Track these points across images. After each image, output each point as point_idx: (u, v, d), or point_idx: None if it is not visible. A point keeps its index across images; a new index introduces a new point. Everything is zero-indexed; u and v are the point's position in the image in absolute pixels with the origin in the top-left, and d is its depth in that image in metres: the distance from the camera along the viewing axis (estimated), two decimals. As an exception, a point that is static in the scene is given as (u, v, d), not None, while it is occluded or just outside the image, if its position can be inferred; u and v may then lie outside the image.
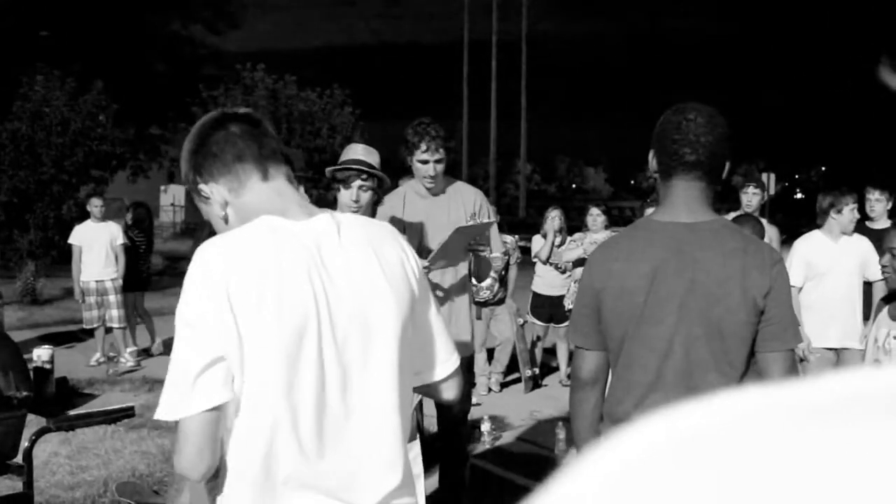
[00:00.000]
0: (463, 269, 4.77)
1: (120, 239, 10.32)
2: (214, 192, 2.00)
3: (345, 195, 4.17)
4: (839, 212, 6.39)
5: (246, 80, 22.60)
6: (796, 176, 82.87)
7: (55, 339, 12.34)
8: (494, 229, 5.13)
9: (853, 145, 75.02)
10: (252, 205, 1.96)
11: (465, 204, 4.82)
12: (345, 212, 4.07)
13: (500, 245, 5.19)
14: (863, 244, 6.42)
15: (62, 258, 15.68)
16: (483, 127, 63.39)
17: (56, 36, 28.20)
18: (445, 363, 2.12)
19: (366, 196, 4.20)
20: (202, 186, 2.02)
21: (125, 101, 19.82)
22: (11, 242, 18.29)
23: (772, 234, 7.25)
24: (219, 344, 1.74)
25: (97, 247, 10.19)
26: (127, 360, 10.22)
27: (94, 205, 10.48)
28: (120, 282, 10.31)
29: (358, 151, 4.33)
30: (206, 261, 1.81)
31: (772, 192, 26.10)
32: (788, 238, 7.84)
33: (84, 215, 10.77)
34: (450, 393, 2.17)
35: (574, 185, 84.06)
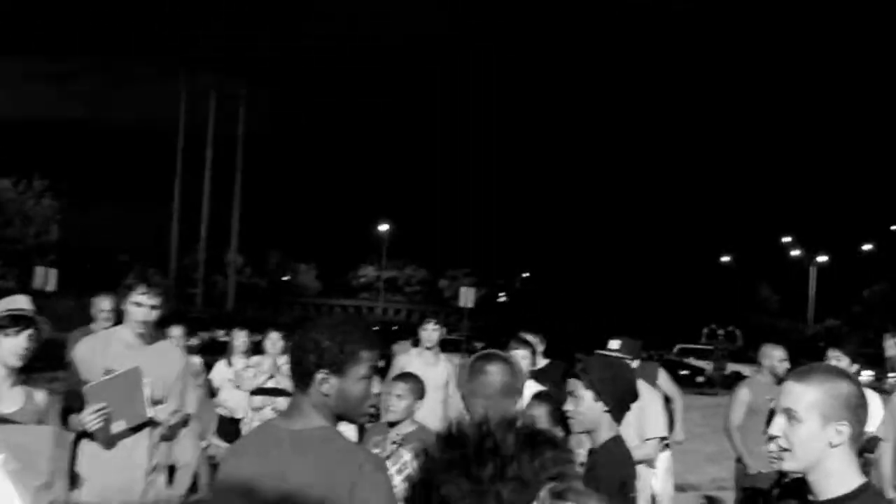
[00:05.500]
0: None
1: None
2: None
3: (11, 344, 4.00)
4: None
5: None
6: (500, 281, 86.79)
7: None
8: (189, 384, 5.02)
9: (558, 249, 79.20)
10: None
11: (169, 370, 4.75)
12: (8, 360, 3.93)
13: (190, 401, 5.07)
14: None
15: None
16: (195, 217, 62.19)
17: None
18: None
19: (29, 346, 4.06)
20: None
21: None
22: None
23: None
24: None
25: None
26: None
27: None
28: None
29: (20, 301, 4.18)
30: None
31: (471, 304, 27.18)
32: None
33: None
34: None
35: (287, 279, 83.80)
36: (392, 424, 5.10)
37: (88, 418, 4.37)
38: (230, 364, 9.01)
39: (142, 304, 4.60)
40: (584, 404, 3.76)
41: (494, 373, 3.16)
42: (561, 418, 4.06)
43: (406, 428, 5.07)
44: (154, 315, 4.66)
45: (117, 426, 4.45)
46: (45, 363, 4.45)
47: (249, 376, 8.47)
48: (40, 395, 4.12)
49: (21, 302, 4.18)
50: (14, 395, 3.96)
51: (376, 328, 31.23)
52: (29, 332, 4.03)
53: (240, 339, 9.02)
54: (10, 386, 3.97)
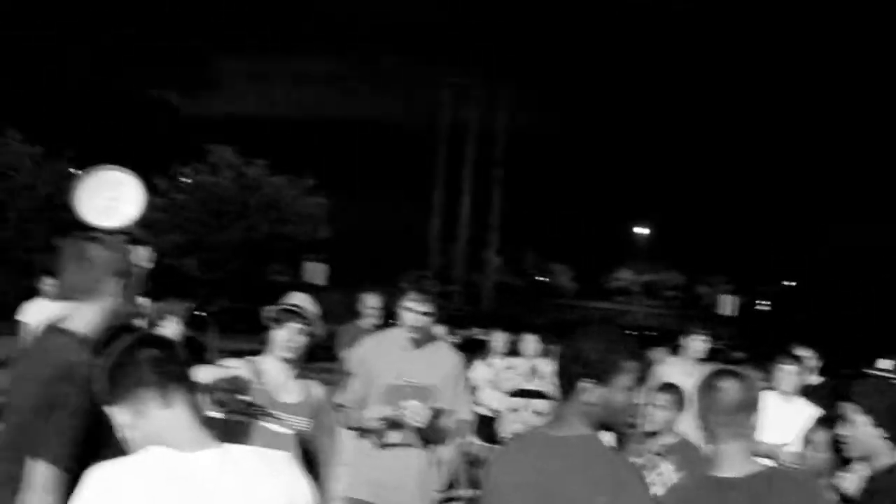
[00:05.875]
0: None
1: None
2: (117, 415, 2.08)
3: (281, 335, 4.23)
4: None
5: (212, 158, 22.73)
6: (763, 288, 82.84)
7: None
8: (461, 387, 5.07)
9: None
10: (150, 431, 2.04)
11: (442, 372, 4.85)
12: (278, 352, 4.16)
13: (462, 404, 5.08)
14: None
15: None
16: (454, 214, 63.52)
17: (26, 99, 28.17)
18: None
19: (300, 340, 4.25)
20: (107, 408, 2.10)
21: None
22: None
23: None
24: None
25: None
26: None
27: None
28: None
29: (297, 298, 4.41)
30: (87, 485, 1.91)
31: (734, 312, 26.29)
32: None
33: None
34: None
35: (544, 280, 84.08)
36: (650, 434, 5.03)
37: (372, 419, 4.60)
38: (488, 364, 9.17)
39: (413, 311, 4.76)
40: (860, 430, 3.57)
41: (728, 389, 3.08)
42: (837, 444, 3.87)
43: (668, 439, 5.00)
44: (426, 321, 4.82)
45: (396, 434, 4.64)
46: (315, 355, 4.67)
47: (508, 377, 8.61)
48: (317, 389, 4.32)
49: (298, 298, 4.39)
50: (294, 387, 4.18)
51: (634, 333, 30.74)
52: (297, 326, 4.22)
53: (499, 340, 9.18)
54: (289, 378, 4.18)
